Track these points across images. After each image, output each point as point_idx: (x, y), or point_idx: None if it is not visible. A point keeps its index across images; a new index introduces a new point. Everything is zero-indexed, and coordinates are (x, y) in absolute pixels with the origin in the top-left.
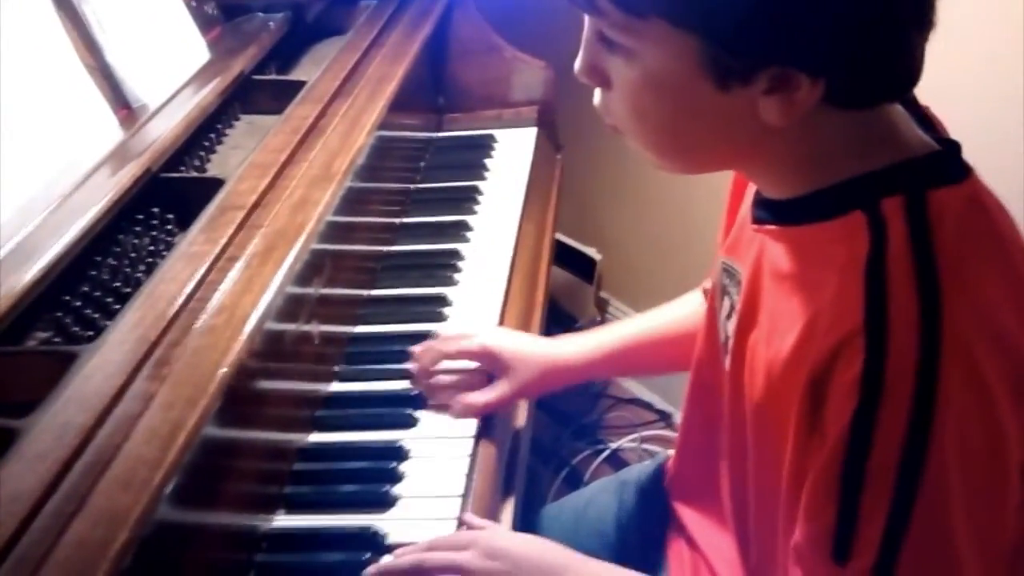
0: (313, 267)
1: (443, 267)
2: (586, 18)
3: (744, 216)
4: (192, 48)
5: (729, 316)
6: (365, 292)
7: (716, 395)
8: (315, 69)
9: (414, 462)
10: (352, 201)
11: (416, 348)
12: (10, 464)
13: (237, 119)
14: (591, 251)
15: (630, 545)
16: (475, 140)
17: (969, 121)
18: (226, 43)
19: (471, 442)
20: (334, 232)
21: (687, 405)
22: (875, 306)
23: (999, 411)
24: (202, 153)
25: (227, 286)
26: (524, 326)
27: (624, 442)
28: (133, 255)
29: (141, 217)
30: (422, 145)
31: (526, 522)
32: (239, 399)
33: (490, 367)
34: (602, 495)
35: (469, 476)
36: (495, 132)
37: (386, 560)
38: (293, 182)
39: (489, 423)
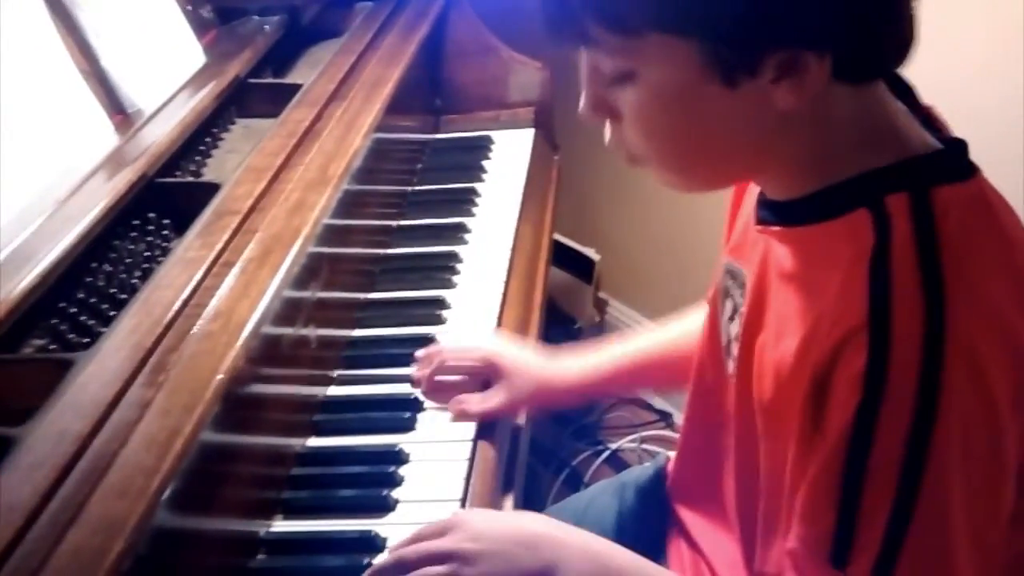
0: (310, 271)
1: (441, 270)
2: (581, 58)
3: (748, 217)
4: (187, 52)
5: (732, 318)
6: (363, 295)
7: (718, 398)
8: (311, 72)
9: (413, 466)
10: (349, 204)
11: (420, 353)
12: (6, 473)
13: (233, 123)
14: (590, 251)
15: (630, 547)
16: (472, 141)
17: (969, 121)
18: (222, 46)
19: (470, 445)
20: (331, 235)
21: (688, 408)
22: (879, 302)
23: (1001, 410)
24: (198, 158)
25: (223, 291)
26: (522, 328)
27: (624, 442)
28: (129, 261)
29: (137, 222)
30: (419, 147)
31: None
32: (236, 405)
33: (489, 375)
34: (602, 497)
35: (468, 479)
36: (492, 133)
37: (379, 560)
38: (289, 186)
39: (488, 426)
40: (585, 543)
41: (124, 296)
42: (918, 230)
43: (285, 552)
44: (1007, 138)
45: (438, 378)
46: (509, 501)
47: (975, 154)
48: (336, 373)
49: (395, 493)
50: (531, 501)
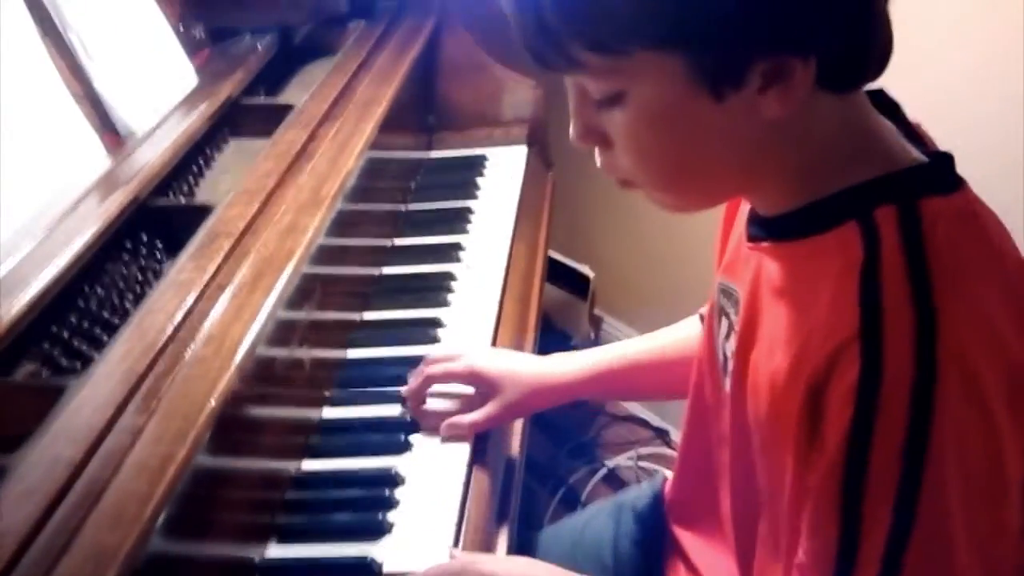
0: (304, 291)
1: (435, 289)
2: (568, 84)
3: (739, 236)
4: (180, 73)
5: (728, 337)
6: (357, 316)
7: (716, 418)
8: (304, 91)
9: (408, 488)
10: (343, 224)
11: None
12: None
13: (226, 143)
14: (584, 268)
15: (627, 569)
16: (466, 160)
17: (968, 123)
18: (214, 67)
19: (466, 467)
20: (325, 256)
21: (686, 429)
22: (870, 313)
23: (996, 417)
24: (190, 179)
25: (216, 315)
26: (518, 346)
27: (621, 460)
28: (121, 284)
29: (129, 245)
30: (412, 165)
31: (522, 545)
32: (229, 429)
33: (479, 387)
34: (599, 518)
35: (464, 501)
36: (486, 151)
37: None
38: (282, 207)
39: (483, 446)
40: None
41: (116, 320)
42: (906, 241)
43: None
44: (1006, 145)
45: (429, 402)
46: (506, 525)
47: (975, 162)
48: (330, 394)
49: (390, 516)
50: (528, 519)
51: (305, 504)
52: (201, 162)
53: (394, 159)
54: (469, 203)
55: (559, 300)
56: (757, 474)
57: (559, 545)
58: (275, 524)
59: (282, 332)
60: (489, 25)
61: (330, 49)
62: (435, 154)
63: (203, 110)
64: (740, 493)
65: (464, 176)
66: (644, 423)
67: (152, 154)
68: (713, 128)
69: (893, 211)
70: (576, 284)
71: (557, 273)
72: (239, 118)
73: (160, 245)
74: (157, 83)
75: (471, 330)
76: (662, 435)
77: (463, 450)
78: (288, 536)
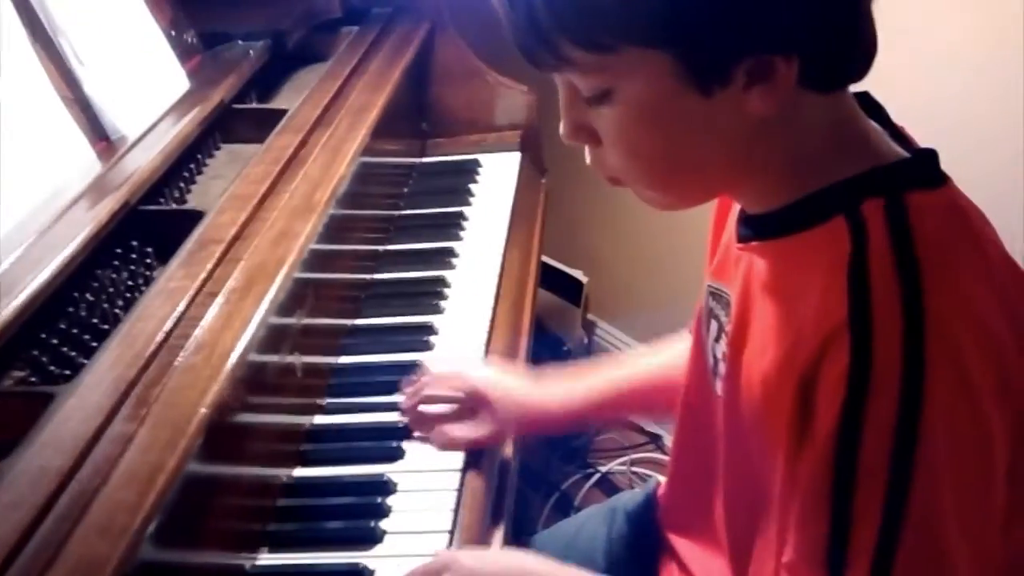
0: (295, 298)
1: (428, 295)
2: (558, 82)
3: (729, 239)
4: (171, 78)
5: (718, 339)
6: (349, 322)
7: (707, 421)
8: (296, 97)
9: (401, 496)
10: (335, 229)
11: (407, 388)
12: None
13: (217, 148)
14: (578, 273)
15: (621, 573)
16: (459, 165)
17: (967, 122)
18: (206, 72)
19: (458, 474)
20: (317, 262)
21: (677, 433)
22: (858, 302)
23: (985, 405)
24: (182, 184)
25: (207, 322)
26: (511, 352)
27: (614, 465)
28: (111, 290)
29: (120, 251)
30: (405, 171)
31: None
32: (220, 437)
33: (475, 405)
34: (592, 523)
35: (457, 509)
36: (479, 157)
37: None
38: (274, 214)
39: (476, 454)
40: None
41: (106, 326)
42: (894, 232)
43: None
44: (1004, 141)
45: (422, 407)
46: (499, 532)
47: (974, 158)
48: (322, 402)
49: (383, 524)
50: (521, 525)
51: (296, 512)
52: (192, 167)
53: (387, 165)
54: (462, 209)
55: (552, 305)
56: (752, 476)
57: (552, 549)
58: (266, 532)
59: (273, 338)
60: (482, 31)
61: (323, 55)
62: (428, 160)
63: (195, 115)
64: (733, 496)
65: (457, 182)
66: (638, 428)
67: (143, 159)
68: (700, 125)
69: (880, 204)
70: (569, 289)
71: (550, 278)
72: (231, 123)
73: (151, 251)
74: (148, 88)
75: (464, 336)
76: (655, 440)
77: (456, 457)
78: (279, 544)
